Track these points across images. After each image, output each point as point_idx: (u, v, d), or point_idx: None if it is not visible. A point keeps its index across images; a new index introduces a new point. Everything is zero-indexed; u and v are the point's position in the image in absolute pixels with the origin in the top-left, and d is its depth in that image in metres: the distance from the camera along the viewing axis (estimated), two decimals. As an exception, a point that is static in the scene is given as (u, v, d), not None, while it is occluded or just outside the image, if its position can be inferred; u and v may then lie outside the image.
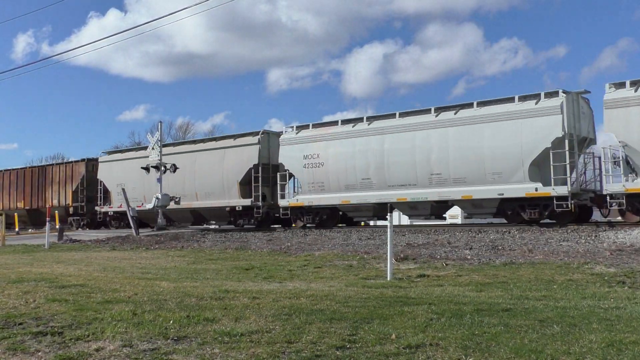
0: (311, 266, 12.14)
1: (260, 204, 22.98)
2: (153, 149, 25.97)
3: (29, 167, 34.82)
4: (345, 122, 21.48)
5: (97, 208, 29.13)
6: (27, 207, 32.85)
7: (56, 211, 28.79)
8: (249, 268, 12.06)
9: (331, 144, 21.18)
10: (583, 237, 14.33)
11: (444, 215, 20.91)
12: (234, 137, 24.67)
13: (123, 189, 27.09)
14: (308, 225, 22.15)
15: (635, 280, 8.87)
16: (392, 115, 20.24)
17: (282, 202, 22.51)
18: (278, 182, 22.92)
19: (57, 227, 24.03)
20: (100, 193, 29.15)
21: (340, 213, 22.06)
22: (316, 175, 21.46)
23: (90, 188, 30.03)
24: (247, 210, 23.54)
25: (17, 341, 5.53)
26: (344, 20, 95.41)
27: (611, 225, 16.47)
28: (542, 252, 12.56)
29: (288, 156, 22.38)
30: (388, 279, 9.76)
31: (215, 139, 25.74)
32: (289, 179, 23.30)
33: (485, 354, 4.70)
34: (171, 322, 6.02)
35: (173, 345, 5.21)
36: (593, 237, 14.22)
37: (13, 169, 35.49)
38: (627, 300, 7.11)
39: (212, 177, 24.45)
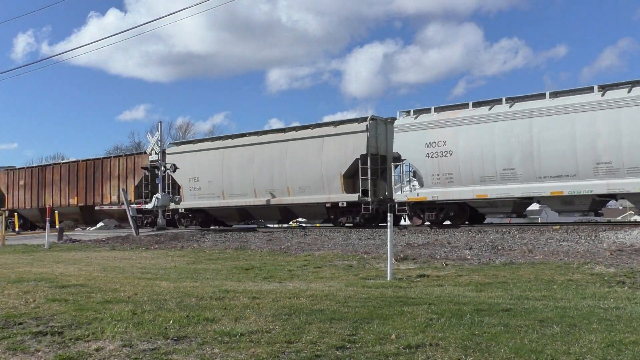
0: (311, 266, 12.14)
1: (369, 199, 20.20)
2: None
3: (83, 161, 31.28)
4: (478, 104, 18.75)
5: (172, 205, 25.77)
6: (80, 204, 29.73)
7: (56, 211, 28.67)
8: (248, 268, 12.05)
9: (462, 130, 18.49)
10: (583, 237, 14.33)
11: (600, 212, 18.30)
12: (334, 124, 21.91)
13: (123, 190, 26.84)
14: (427, 222, 19.49)
15: (635, 280, 8.87)
16: (540, 96, 17.70)
17: (398, 197, 19.84)
18: (392, 173, 20.70)
19: (57, 227, 24.04)
20: (168, 188, 26.09)
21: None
22: (442, 166, 18.81)
23: (155, 183, 26.66)
24: (350, 207, 20.92)
25: (17, 341, 5.53)
26: (344, 20, 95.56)
27: (611, 225, 16.46)
28: (542, 252, 12.56)
29: (405, 144, 19.64)
30: (388, 279, 9.75)
31: (309, 127, 22.62)
32: (405, 171, 20.43)
33: (485, 354, 4.70)
34: (171, 322, 6.02)
35: (173, 345, 5.21)
36: (593, 237, 14.22)
37: (64, 162, 32.53)
38: (627, 301, 7.11)
39: (308, 169, 21.79)
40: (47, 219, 20.92)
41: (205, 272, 11.37)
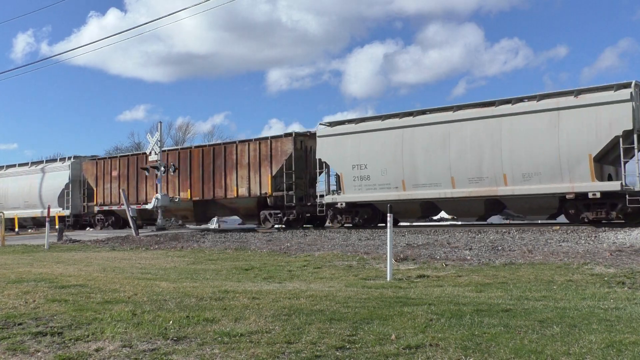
0: (311, 267, 12.13)
1: (638, 188, 16.10)
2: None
3: (196, 147, 26.55)
4: None
5: (326, 199, 21.58)
6: (195, 198, 25.29)
7: (56, 213, 28.51)
8: (248, 268, 12.05)
9: None
10: (583, 238, 14.34)
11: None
12: (574, 93, 17.36)
13: (123, 190, 26.57)
14: None
15: (635, 280, 8.87)
16: None
17: None
18: None
19: (57, 227, 24.03)
20: (323, 178, 22.13)
21: None
22: None
23: (297, 171, 22.88)
24: (602, 199, 16.77)
25: (17, 341, 5.53)
26: (345, 20, 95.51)
27: (611, 225, 16.46)
28: (542, 252, 12.56)
29: None
30: (388, 279, 9.75)
31: (534, 98, 18.19)
32: None
33: (485, 354, 4.70)
34: (171, 322, 6.02)
35: (173, 345, 5.21)
36: (593, 238, 14.23)
37: (172, 149, 27.75)
38: (627, 301, 7.11)
39: (536, 151, 17.49)
40: (47, 219, 20.92)
41: (205, 273, 11.36)
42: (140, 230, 23.54)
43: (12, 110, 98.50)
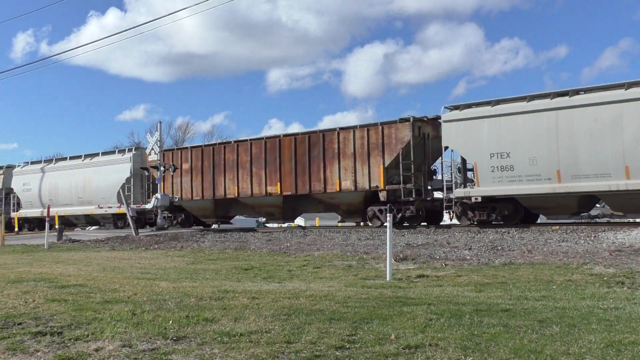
0: (310, 266, 12.14)
1: None
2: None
3: (286, 136, 23.28)
4: None
5: (457, 192, 18.89)
6: (286, 193, 22.54)
7: (56, 212, 28.45)
8: (248, 268, 12.06)
9: None
10: (582, 238, 14.34)
11: None
12: None
13: (120, 191, 26.16)
14: None
15: (634, 280, 8.88)
16: None
17: None
18: None
19: (57, 227, 24.02)
20: (454, 169, 19.55)
21: None
22: None
23: (416, 162, 20.05)
24: None
25: (17, 341, 5.53)
26: (345, 20, 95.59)
27: (610, 225, 16.45)
28: (542, 252, 12.56)
29: None
30: (387, 279, 9.75)
31: None
32: None
33: (484, 354, 4.70)
34: (170, 322, 6.02)
35: (172, 345, 5.22)
36: (592, 238, 14.23)
37: (256, 138, 24.14)
38: (626, 301, 7.11)
39: None
40: (47, 218, 20.92)
41: (204, 272, 11.37)
42: (140, 231, 23.56)
43: (12, 110, 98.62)
